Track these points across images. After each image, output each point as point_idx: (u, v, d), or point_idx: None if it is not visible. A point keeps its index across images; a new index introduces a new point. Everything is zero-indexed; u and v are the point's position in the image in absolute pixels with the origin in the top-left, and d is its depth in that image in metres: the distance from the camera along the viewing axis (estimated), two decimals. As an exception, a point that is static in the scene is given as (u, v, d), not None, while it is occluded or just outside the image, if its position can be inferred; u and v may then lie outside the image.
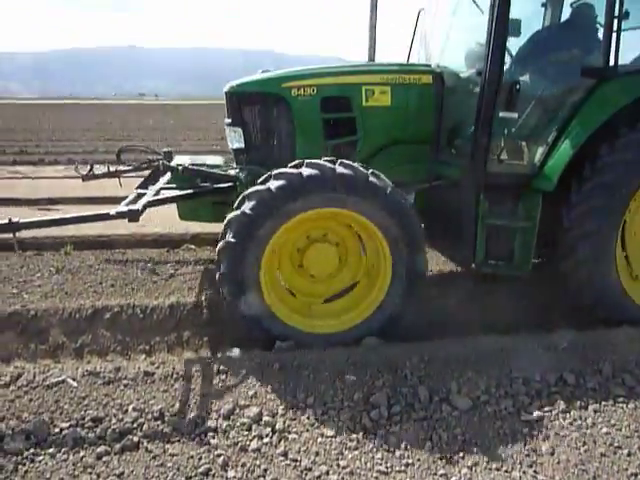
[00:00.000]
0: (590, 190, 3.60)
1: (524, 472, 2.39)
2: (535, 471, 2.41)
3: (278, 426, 2.60)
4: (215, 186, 4.31)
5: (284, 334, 3.40)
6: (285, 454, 2.43)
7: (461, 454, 2.49)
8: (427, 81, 4.11)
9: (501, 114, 3.67)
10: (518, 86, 3.68)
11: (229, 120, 4.22)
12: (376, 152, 4.14)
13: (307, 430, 2.59)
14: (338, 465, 2.38)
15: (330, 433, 2.58)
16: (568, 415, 2.79)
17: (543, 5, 4.59)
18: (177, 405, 2.74)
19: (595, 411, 2.81)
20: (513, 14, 3.59)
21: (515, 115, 3.74)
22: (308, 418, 2.68)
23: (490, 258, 3.86)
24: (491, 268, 3.90)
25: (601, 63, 3.61)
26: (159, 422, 2.62)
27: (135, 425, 2.58)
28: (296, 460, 2.40)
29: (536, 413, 2.78)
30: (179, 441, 2.50)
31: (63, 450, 2.43)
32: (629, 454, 2.53)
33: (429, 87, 4.10)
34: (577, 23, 4.14)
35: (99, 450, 2.43)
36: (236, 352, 3.39)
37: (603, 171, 3.59)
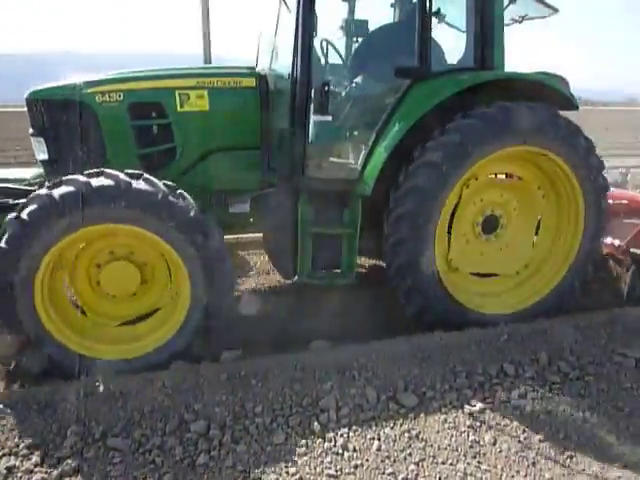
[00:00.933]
0: (403, 195, 3.50)
1: (468, 463, 2.47)
2: (479, 462, 2.49)
3: (226, 438, 2.56)
4: (12, 202, 3.50)
5: (55, 355, 3.12)
6: (234, 466, 2.40)
7: (408, 451, 2.53)
8: (249, 84, 3.87)
9: (314, 117, 3.55)
10: (327, 88, 3.48)
11: (32, 130, 3.83)
12: (199, 159, 3.87)
13: (256, 440, 2.57)
14: (287, 472, 2.37)
15: (279, 440, 2.56)
16: (508, 405, 2.89)
17: (392, 5, 4.57)
18: (119, 425, 2.64)
19: (533, 399, 2.94)
20: (360, 14, 3.76)
21: (329, 118, 3.59)
22: (257, 427, 2.65)
23: (317, 268, 3.72)
24: (317, 279, 3.74)
25: (416, 63, 3.60)
26: (100, 444, 2.52)
27: (74, 450, 2.48)
28: (245, 471, 2.37)
29: (479, 405, 2.87)
30: (121, 462, 2.41)
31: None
32: (564, 437, 2.65)
33: (252, 90, 3.86)
34: (407, 23, 3.95)
35: (35, 478, 2.31)
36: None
37: (413, 175, 3.48)
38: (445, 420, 2.75)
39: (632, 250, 4.37)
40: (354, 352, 3.32)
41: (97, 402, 2.80)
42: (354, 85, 4.12)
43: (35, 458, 2.42)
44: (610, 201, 4.66)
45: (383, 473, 2.40)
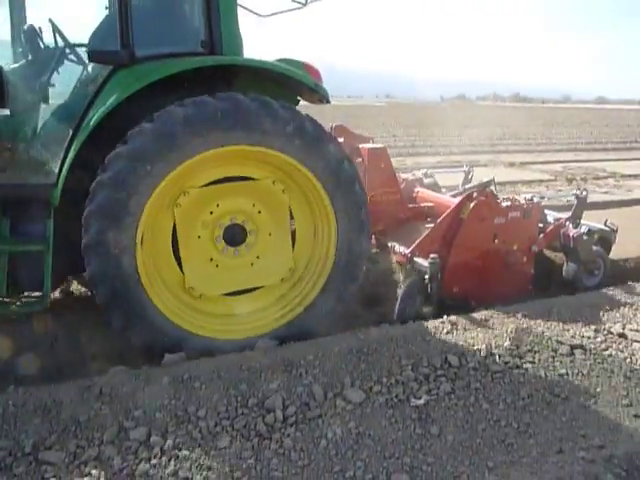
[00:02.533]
0: (92, 192, 2.95)
1: (414, 457, 2.49)
2: (424, 454, 2.52)
3: (168, 444, 2.46)
4: None
5: None
6: (176, 474, 2.31)
7: (355, 447, 2.53)
8: None
9: None
10: None
11: None
12: None
13: (199, 445, 2.48)
14: (232, 477, 2.31)
15: (224, 444, 2.49)
16: (453, 396, 2.95)
17: None
18: (53, 437, 2.49)
19: (476, 389, 3.00)
20: None
21: (6, 111, 3.19)
22: (200, 432, 2.57)
23: (15, 292, 3.17)
24: (5, 309, 3.14)
25: (116, 47, 3.09)
26: (31, 458, 2.37)
27: (1, 465, 2.31)
28: (187, 478, 2.29)
29: (424, 397, 2.90)
30: (55, 476, 2.27)
31: None
32: (506, 425, 2.73)
33: None
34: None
35: (-43, 501, 2.14)
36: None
37: (105, 171, 2.94)
38: (392, 414, 2.77)
39: (415, 259, 4.01)
40: (301, 349, 3.29)
41: (27, 413, 2.63)
42: (45, 72, 3.60)
43: (-43, 478, 2.25)
44: (411, 205, 4.83)
45: (330, 471, 2.38)
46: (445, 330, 3.54)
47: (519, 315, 3.77)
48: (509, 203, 4.30)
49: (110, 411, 2.66)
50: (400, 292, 4.05)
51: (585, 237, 4.50)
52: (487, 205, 4.11)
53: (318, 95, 3.61)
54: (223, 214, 3.33)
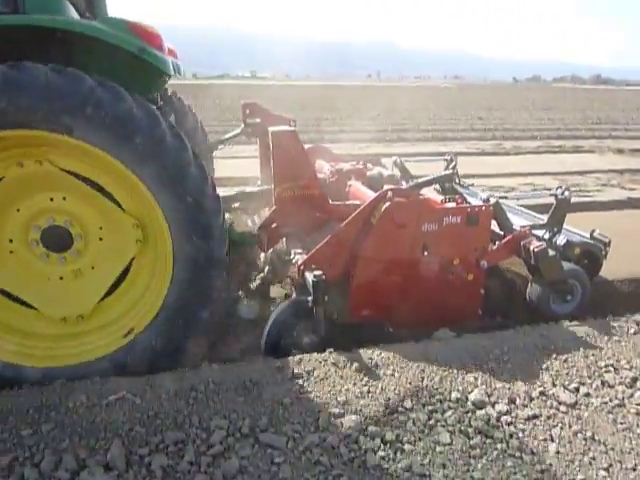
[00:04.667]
0: None
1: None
2: None
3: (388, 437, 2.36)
4: None
5: None
6: (409, 468, 2.20)
7: (590, 455, 2.32)
8: None
9: None
10: None
11: None
12: None
13: (419, 439, 2.37)
14: (472, 477, 2.17)
15: (445, 440, 2.36)
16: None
17: None
18: (264, 419, 2.44)
19: None
20: None
21: None
22: (414, 423, 2.45)
23: None
24: None
25: None
26: (252, 440, 2.33)
27: (225, 446, 2.29)
28: (423, 475, 2.17)
29: (642, 403, 2.64)
30: (285, 462, 2.21)
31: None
32: None
33: None
34: None
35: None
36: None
37: None
38: (614, 420, 2.54)
39: (307, 275, 3.13)
40: (482, 342, 3.12)
41: (229, 392, 2.62)
42: None
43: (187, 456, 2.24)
44: (334, 203, 3.68)
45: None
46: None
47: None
48: (452, 205, 3.35)
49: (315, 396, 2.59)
50: (272, 316, 3.17)
51: (550, 252, 3.48)
52: (407, 208, 3.16)
53: (150, 66, 2.76)
54: (38, 212, 2.73)
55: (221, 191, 3.06)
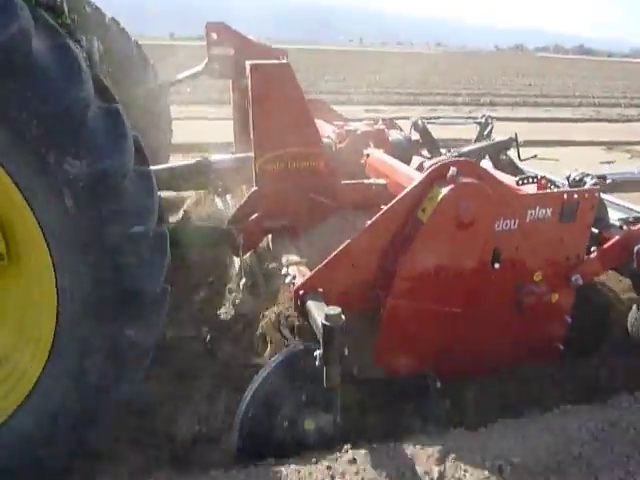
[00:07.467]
0: None
1: None
2: None
3: None
4: None
5: None
6: None
7: None
8: None
9: None
10: None
11: None
12: None
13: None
14: None
15: None
16: None
17: None
18: None
19: None
20: None
21: None
22: None
23: None
24: None
25: None
26: None
27: None
28: None
29: None
30: None
31: None
32: None
33: None
34: None
35: None
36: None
37: None
38: None
39: (309, 304, 2.04)
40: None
41: None
42: None
43: None
44: (347, 182, 2.56)
45: None
46: None
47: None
48: (534, 189, 2.33)
49: None
50: (251, 386, 1.97)
51: None
52: (478, 194, 2.04)
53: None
54: None
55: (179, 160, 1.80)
